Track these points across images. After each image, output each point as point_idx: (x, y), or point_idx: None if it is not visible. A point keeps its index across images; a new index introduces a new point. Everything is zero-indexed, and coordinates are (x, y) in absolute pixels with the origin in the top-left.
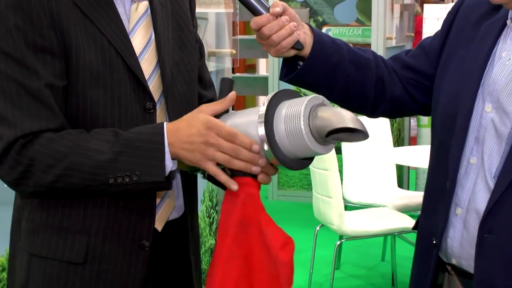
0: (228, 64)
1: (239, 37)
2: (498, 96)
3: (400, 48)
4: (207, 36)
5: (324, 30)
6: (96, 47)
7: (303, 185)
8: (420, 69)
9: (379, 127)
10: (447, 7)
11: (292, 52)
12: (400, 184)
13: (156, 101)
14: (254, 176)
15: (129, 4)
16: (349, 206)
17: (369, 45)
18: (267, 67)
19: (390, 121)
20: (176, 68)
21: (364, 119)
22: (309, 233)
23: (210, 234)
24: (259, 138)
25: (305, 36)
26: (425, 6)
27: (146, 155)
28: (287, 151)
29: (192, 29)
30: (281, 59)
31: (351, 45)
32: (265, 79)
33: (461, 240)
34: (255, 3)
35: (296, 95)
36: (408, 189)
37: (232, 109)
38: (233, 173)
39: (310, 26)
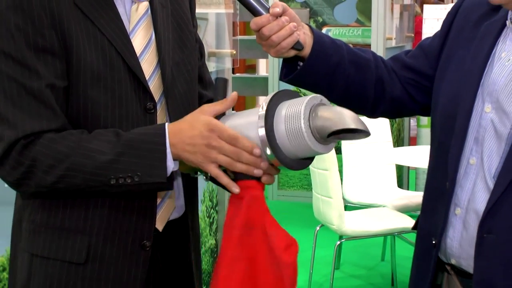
0: (228, 64)
1: (239, 37)
2: (497, 97)
3: (400, 48)
4: (207, 37)
5: (324, 30)
6: (96, 48)
7: (303, 185)
8: (419, 70)
9: (379, 128)
10: (447, 7)
11: (292, 53)
12: (400, 184)
13: (156, 101)
14: (258, 178)
15: (129, 5)
16: (349, 206)
17: (369, 45)
18: (267, 67)
19: (390, 121)
20: (176, 68)
21: (364, 119)
22: (309, 233)
23: (210, 234)
24: (259, 139)
25: (305, 37)
26: (425, 6)
27: (147, 156)
28: (288, 151)
29: (192, 29)
30: (281, 60)
31: (351, 45)
32: (265, 80)
33: (460, 240)
34: (255, 3)
35: (296, 95)
36: (407, 189)
37: (232, 110)
38: (236, 176)
39: (310, 26)
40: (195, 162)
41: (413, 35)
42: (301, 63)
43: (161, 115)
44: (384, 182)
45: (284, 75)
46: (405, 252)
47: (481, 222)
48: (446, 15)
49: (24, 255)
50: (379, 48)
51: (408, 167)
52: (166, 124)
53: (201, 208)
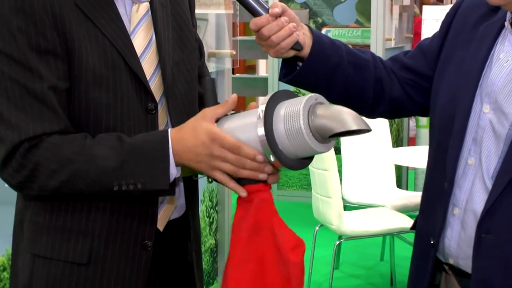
0: (228, 65)
1: (239, 38)
2: (496, 97)
3: (399, 49)
4: (207, 37)
5: (323, 31)
6: (98, 49)
7: (303, 185)
8: (418, 70)
9: (378, 128)
10: (446, 8)
11: (292, 53)
12: (399, 184)
13: (157, 101)
14: (263, 180)
15: (129, 5)
16: (348, 206)
17: (368, 46)
18: (267, 68)
19: (389, 121)
20: (176, 68)
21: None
22: (308, 233)
23: (210, 234)
24: (259, 140)
25: (305, 37)
26: (424, 7)
27: (150, 163)
28: (288, 151)
29: (192, 29)
30: (280, 60)
31: (350, 46)
32: (264, 80)
33: (458, 240)
34: (254, 4)
35: (294, 95)
36: (406, 189)
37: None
38: (242, 181)
39: (309, 27)
40: (200, 169)
41: (412, 36)
42: (300, 64)
43: (161, 115)
44: (383, 182)
45: (284, 76)
46: (404, 252)
47: (479, 222)
48: (445, 16)
49: (26, 256)
50: (378, 48)
51: (407, 167)
52: (169, 130)
53: (201, 208)
